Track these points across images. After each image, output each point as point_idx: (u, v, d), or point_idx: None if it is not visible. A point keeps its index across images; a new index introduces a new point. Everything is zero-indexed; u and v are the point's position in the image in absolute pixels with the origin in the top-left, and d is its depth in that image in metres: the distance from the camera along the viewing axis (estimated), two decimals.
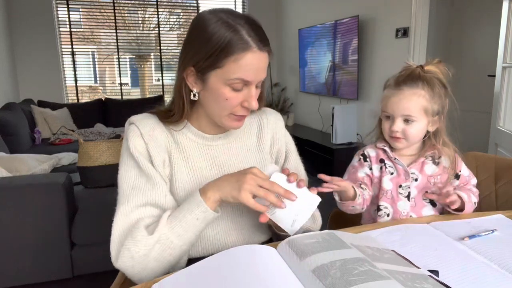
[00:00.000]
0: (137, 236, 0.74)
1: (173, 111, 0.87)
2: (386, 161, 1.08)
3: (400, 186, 1.05)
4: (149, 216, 0.79)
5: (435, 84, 1.00)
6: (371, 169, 1.09)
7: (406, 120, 1.01)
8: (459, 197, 1.01)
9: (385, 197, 1.06)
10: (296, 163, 1.01)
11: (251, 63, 0.77)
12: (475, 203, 1.05)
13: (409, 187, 1.05)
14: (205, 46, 0.77)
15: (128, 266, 0.74)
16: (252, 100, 0.82)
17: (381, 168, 1.08)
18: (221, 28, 0.76)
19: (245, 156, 0.94)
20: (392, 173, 1.07)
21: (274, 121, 1.00)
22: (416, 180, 1.06)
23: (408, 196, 1.05)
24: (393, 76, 1.06)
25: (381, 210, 1.06)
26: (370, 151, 1.11)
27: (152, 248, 0.73)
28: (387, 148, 1.08)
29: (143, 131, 0.84)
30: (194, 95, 0.84)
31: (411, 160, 1.07)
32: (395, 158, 1.06)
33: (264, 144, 0.98)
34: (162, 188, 0.82)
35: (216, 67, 0.78)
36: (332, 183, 0.89)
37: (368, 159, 1.10)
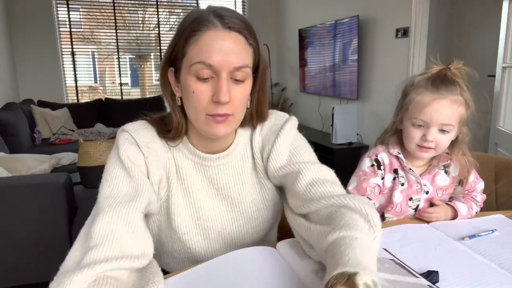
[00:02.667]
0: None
1: (170, 125, 0.77)
2: (399, 171, 1.00)
3: (411, 199, 1.00)
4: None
5: (466, 90, 0.92)
6: (383, 178, 1.00)
7: (442, 130, 0.92)
8: (455, 209, 0.98)
9: (393, 211, 1.01)
10: (315, 175, 0.74)
11: (212, 43, 0.66)
12: (476, 212, 1.03)
13: (419, 200, 1.00)
14: (174, 38, 0.71)
15: None
16: (220, 92, 0.66)
17: (394, 179, 1.00)
18: (186, 18, 0.71)
19: (245, 176, 0.82)
20: (402, 184, 1.00)
21: (269, 125, 0.83)
22: (427, 192, 1.00)
23: (416, 208, 1.02)
24: (419, 77, 0.95)
25: (385, 220, 1.03)
26: (384, 157, 1.01)
27: None
28: (401, 156, 0.99)
29: (140, 142, 0.73)
30: (178, 100, 0.74)
31: (422, 170, 1.01)
32: (410, 169, 0.99)
33: (257, 156, 0.82)
34: (145, 198, 0.68)
35: (183, 56, 0.69)
36: None
37: (382, 167, 1.00)
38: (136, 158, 0.72)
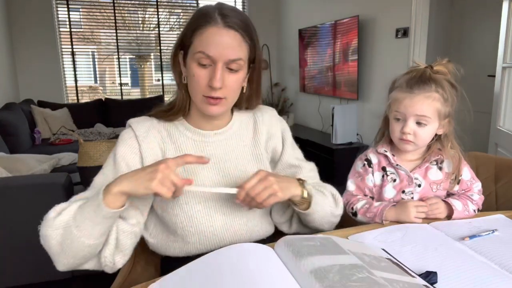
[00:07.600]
0: (48, 216, 0.81)
1: (174, 104, 0.91)
2: (388, 168, 1.05)
3: (403, 191, 1.03)
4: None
5: (445, 86, 0.97)
6: (373, 175, 1.07)
7: (418, 123, 0.98)
8: (449, 205, 0.99)
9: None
10: (291, 155, 1.00)
11: (213, 37, 0.79)
12: (474, 210, 1.03)
13: (412, 193, 1.03)
14: (185, 28, 0.85)
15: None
16: (213, 78, 0.79)
17: (382, 176, 1.06)
18: (196, 12, 0.85)
19: (241, 152, 0.94)
20: (394, 180, 1.04)
21: (268, 118, 1.00)
22: (419, 186, 1.03)
23: None
24: (401, 77, 1.02)
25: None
26: (372, 157, 1.08)
27: (54, 231, 0.80)
28: (388, 154, 1.05)
29: (138, 133, 0.88)
30: (184, 79, 0.87)
31: (414, 165, 1.05)
32: (397, 165, 1.03)
33: (260, 139, 0.97)
34: None
35: (189, 44, 0.82)
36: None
37: (371, 165, 1.07)
38: (131, 150, 0.87)
